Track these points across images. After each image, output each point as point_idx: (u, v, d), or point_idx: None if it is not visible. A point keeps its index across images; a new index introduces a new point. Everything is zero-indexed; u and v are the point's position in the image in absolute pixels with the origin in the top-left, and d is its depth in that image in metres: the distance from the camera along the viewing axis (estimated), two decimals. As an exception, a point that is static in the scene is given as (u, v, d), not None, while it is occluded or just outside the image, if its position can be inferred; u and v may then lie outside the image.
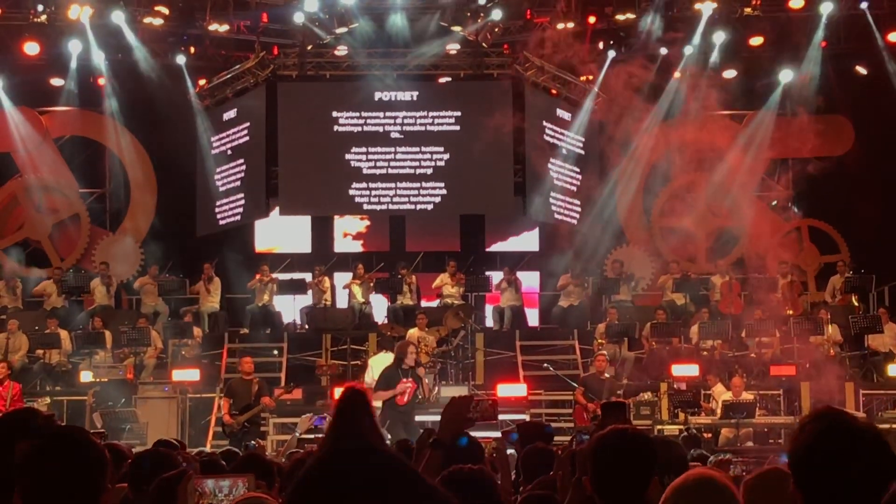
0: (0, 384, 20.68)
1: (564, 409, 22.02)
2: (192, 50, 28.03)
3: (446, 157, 27.00)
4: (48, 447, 3.99)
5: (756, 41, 27.54)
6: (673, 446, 6.46)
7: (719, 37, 26.92)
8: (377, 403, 19.07)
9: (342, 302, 26.53)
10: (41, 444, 4.00)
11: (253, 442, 19.16)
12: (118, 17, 26.39)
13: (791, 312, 24.71)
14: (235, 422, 19.88)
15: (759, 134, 28.40)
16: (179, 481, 4.84)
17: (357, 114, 27.13)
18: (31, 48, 27.03)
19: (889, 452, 3.41)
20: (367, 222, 29.22)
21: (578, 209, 27.81)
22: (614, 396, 20.35)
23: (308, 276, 26.26)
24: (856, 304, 25.43)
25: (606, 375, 20.74)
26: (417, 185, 27.03)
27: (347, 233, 29.43)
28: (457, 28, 27.53)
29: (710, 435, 20.50)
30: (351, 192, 26.95)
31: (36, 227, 28.24)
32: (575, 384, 21.11)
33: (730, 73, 27.97)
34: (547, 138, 27.40)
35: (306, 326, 25.76)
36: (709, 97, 27.82)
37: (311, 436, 18.86)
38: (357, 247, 29.21)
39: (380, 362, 19.92)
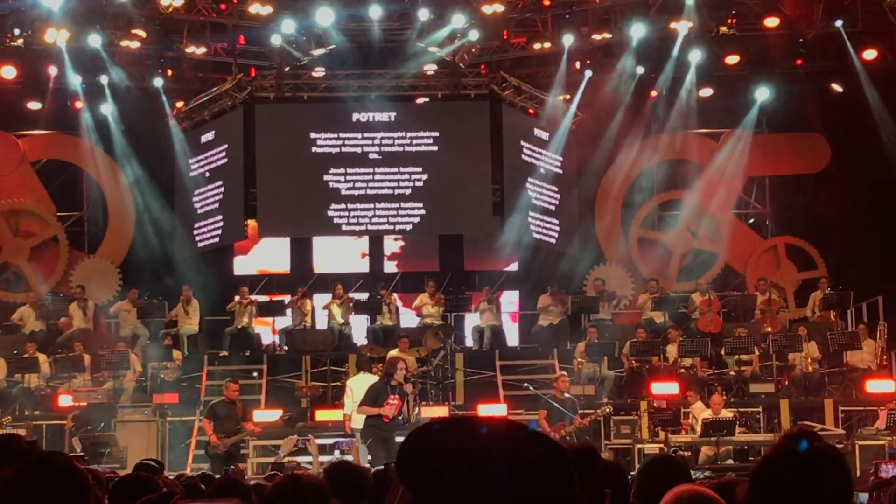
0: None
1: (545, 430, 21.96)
2: (170, 72, 28.00)
3: (425, 177, 27.03)
4: (31, 473, 3.98)
5: (732, 60, 27.65)
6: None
7: (695, 55, 27.01)
8: (359, 418, 19.11)
9: (322, 323, 26.47)
10: (24, 471, 3.99)
11: (231, 466, 19.08)
12: (95, 41, 26.34)
13: (770, 329, 24.78)
14: (222, 444, 19.78)
15: (736, 152, 28.50)
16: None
17: (335, 135, 27.14)
18: (8, 72, 26.99)
19: (846, 477, 3.46)
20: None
21: (557, 228, 27.87)
22: (578, 418, 20.28)
23: (287, 298, 26.21)
24: (833, 320, 25.51)
25: (566, 396, 20.64)
26: (396, 205, 27.03)
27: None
28: (434, 49, 27.59)
29: (689, 453, 20.51)
30: (329, 212, 26.94)
31: (14, 251, 28.13)
32: (555, 403, 21.08)
33: (706, 92, 28.08)
34: (525, 158, 27.46)
35: (285, 348, 25.68)
36: (685, 116, 27.98)
37: (295, 459, 18.83)
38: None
39: (359, 383, 19.87)
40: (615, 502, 5.66)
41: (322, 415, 22.20)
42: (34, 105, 27.99)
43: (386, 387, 18.57)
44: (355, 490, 6.47)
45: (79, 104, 27.98)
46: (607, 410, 21.39)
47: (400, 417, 18.89)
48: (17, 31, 26.45)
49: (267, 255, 29.10)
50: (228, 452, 19.77)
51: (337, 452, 19.78)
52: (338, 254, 28.86)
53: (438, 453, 2.19)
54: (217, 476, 11.84)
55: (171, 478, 9.27)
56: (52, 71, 26.95)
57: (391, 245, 29.36)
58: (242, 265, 29.04)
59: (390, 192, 27.06)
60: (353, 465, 10.03)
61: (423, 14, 26.55)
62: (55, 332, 25.87)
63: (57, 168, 28.74)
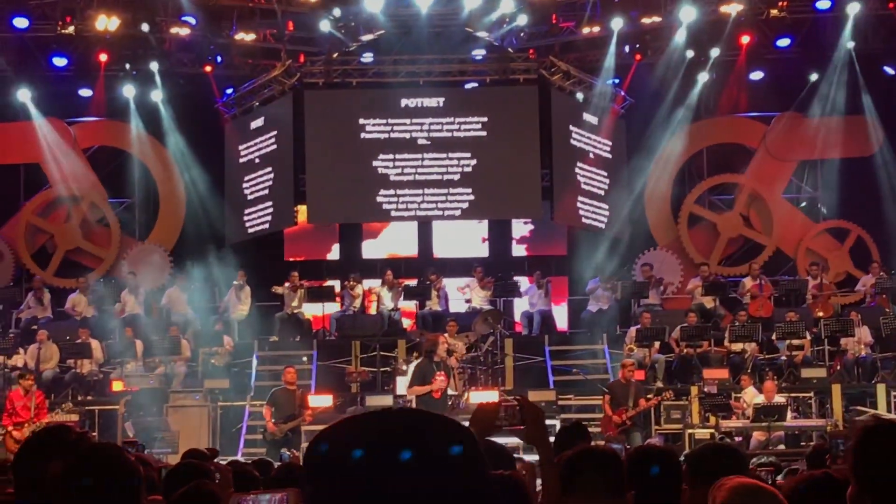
0: (25, 393, 20.78)
1: (595, 414, 21.94)
2: (219, 59, 28.12)
3: (473, 162, 26.98)
4: (82, 464, 4.01)
5: (783, 42, 27.46)
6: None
7: (746, 38, 26.83)
8: (411, 398, 19.33)
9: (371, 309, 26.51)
10: (75, 462, 4.02)
11: (287, 452, 19.21)
12: (145, 28, 26.49)
13: (821, 314, 24.59)
14: (279, 430, 19.93)
15: (786, 135, 28.32)
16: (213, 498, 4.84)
17: (384, 121, 27.14)
18: (60, 60, 27.24)
19: None
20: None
21: (606, 213, 27.76)
22: (642, 400, 20.33)
23: (337, 284, 26.31)
24: (886, 304, 25.28)
25: (632, 381, 20.66)
26: (445, 191, 27.01)
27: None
28: (482, 34, 27.53)
29: (740, 438, 20.44)
30: (378, 198, 26.95)
31: (66, 237, 28.36)
32: (605, 388, 21.08)
33: (757, 75, 27.91)
34: (574, 142, 27.37)
35: (335, 333, 25.76)
36: (736, 99, 27.82)
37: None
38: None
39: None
40: (666, 487, 5.65)
41: (373, 400, 22.33)
42: (85, 92, 28.22)
43: (431, 364, 19.03)
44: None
45: (129, 91, 28.17)
46: (669, 395, 21.34)
47: (450, 393, 19.14)
48: (67, 19, 26.67)
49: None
50: (285, 438, 19.92)
51: None
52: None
53: (338, 448, 2.17)
54: (276, 463, 11.86)
55: (224, 463, 9.31)
56: (103, 58, 27.14)
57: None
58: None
59: (439, 177, 27.04)
60: None
61: (472, -1, 26.50)
62: (108, 318, 26.07)
63: (108, 155, 28.93)
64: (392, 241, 29.34)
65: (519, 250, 29.35)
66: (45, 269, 27.96)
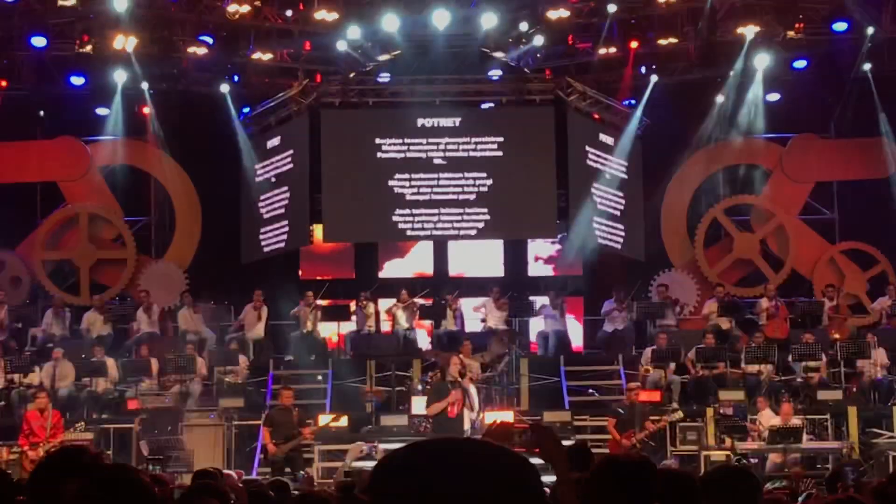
0: (41, 413, 20.82)
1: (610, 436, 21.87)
2: (236, 78, 28.21)
3: (489, 182, 27.00)
4: (97, 486, 4.01)
5: (799, 64, 27.46)
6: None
7: (762, 60, 26.82)
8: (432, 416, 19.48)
9: (386, 328, 26.52)
10: (90, 483, 4.02)
11: (302, 472, 19.23)
12: (162, 47, 26.58)
13: (837, 336, 24.52)
14: (279, 451, 19.93)
15: (803, 157, 28.31)
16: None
17: (400, 140, 27.18)
18: (77, 79, 27.36)
19: None
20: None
21: (622, 233, 27.73)
22: (648, 422, 20.23)
23: (352, 304, 26.34)
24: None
25: (637, 403, 20.58)
26: (461, 210, 27.03)
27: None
28: (499, 54, 27.57)
29: (756, 460, 20.36)
30: (394, 218, 26.98)
31: (82, 255, 28.41)
32: (621, 410, 21.01)
33: (773, 96, 27.89)
34: (590, 163, 27.36)
35: (351, 353, 25.76)
36: (752, 120, 27.80)
37: (361, 464, 18.91)
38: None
39: None
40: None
41: (388, 420, 22.34)
42: (102, 111, 28.32)
43: (445, 384, 19.15)
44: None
45: (146, 110, 28.28)
46: (678, 416, 21.24)
47: (466, 414, 19.18)
48: (85, 38, 26.78)
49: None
50: (287, 458, 19.92)
51: (365, 448, 19.84)
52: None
53: (408, 478, 2.24)
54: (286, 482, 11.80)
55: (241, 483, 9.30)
56: (120, 77, 27.24)
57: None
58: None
59: (455, 197, 27.06)
60: None
61: (489, 20, 26.52)
62: (122, 337, 26.13)
63: (125, 173, 28.98)
64: (415, 260, 29.27)
65: (537, 270, 29.20)
66: (62, 289, 28.02)
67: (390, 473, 2.29)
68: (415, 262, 29.20)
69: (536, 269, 29.17)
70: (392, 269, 29.12)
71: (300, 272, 29.11)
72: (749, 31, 26.43)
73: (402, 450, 2.35)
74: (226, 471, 13.37)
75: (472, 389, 20.27)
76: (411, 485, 2.24)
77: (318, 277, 28.56)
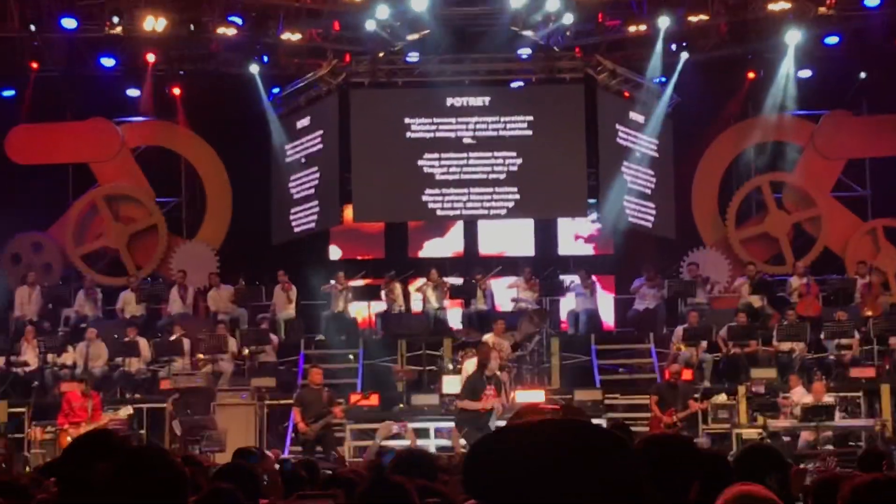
0: (84, 395, 21.09)
1: (641, 413, 21.88)
2: (266, 59, 28.22)
3: (519, 161, 26.92)
4: (126, 467, 4.02)
5: (831, 40, 27.27)
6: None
7: (794, 36, 26.64)
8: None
9: (417, 307, 26.53)
10: (119, 465, 4.04)
11: (333, 452, 19.30)
12: (192, 28, 26.62)
13: (870, 313, 24.41)
14: (311, 430, 20.01)
15: (835, 133, 28.13)
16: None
17: (429, 120, 27.13)
18: (108, 60, 27.45)
19: None
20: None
21: (653, 212, 27.63)
22: (691, 401, 20.27)
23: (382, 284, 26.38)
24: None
25: (679, 382, 20.60)
26: (490, 190, 26.97)
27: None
28: (528, 33, 27.47)
29: (789, 438, 20.32)
30: (424, 197, 26.95)
31: (114, 236, 28.55)
32: (653, 390, 21.02)
33: (805, 73, 27.72)
34: (620, 141, 27.26)
35: (382, 332, 25.80)
36: (784, 97, 27.64)
37: (392, 443, 18.95)
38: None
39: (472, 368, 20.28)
40: (715, 491, 5.61)
41: (418, 399, 22.39)
42: (133, 92, 28.41)
43: (482, 378, 19.05)
44: (427, 476, 6.46)
45: (176, 91, 28.34)
46: (723, 399, 21.27)
47: (495, 405, 19.14)
48: (115, 20, 26.84)
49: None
50: (319, 437, 19.99)
51: (395, 427, 19.88)
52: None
53: (504, 463, 2.23)
54: (312, 460, 11.83)
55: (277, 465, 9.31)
56: (151, 58, 27.31)
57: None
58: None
59: (484, 176, 26.99)
60: (424, 451, 10.31)
61: (517, -2, 26.44)
62: (155, 317, 26.24)
63: (156, 154, 29.07)
64: (455, 240, 29.21)
65: (571, 248, 29.06)
66: (95, 269, 28.15)
67: (492, 462, 2.27)
68: (455, 242, 29.16)
69: (567, 247, 29.07)
70: (431, 248, 29.09)
71: (332, 253, 29.11)
72: (780, 6, 26.24)
73: (491, 436, 2.34)
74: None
75: (507, 384, 20.35)
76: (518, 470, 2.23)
77: (353, 257, 28.56)
